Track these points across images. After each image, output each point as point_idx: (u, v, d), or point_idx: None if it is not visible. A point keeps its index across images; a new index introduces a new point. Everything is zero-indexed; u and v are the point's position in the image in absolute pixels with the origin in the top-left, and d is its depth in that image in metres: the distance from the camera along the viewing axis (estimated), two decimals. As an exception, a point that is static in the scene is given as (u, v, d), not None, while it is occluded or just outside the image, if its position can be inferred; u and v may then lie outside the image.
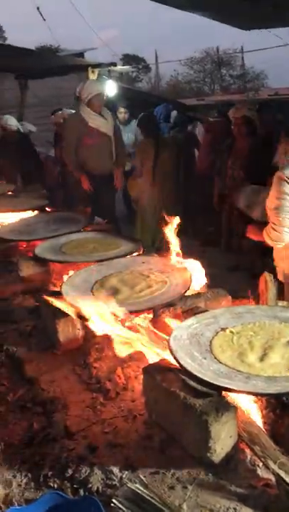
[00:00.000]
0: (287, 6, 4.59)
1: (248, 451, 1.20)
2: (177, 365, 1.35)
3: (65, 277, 2.11)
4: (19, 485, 1.23)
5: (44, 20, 8.56)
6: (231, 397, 1.28)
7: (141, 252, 2.39)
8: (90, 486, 1.18)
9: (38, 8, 8.47)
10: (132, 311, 1.76)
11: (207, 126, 5.64)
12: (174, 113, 7.52)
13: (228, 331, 1.52)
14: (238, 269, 4.56)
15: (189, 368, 1.30)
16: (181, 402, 1.22)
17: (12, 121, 6.05)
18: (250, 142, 4.32)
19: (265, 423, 1.26)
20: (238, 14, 4.97)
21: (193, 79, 34.75)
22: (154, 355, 1.54)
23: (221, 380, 1.26)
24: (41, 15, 8.46)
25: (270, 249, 2.43)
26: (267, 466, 1.12)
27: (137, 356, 1.63)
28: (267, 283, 1.85)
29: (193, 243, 5.18)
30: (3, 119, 6.03)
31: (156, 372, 1.34)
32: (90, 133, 4.32)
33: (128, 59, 36.03)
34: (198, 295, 1.82)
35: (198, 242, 5.15)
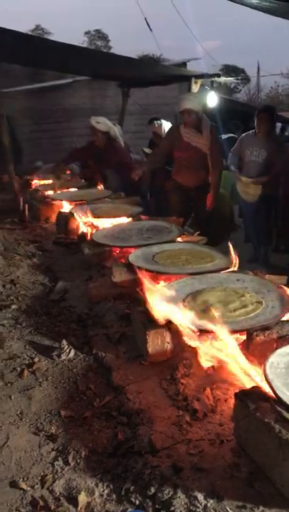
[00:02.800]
0: None
1: None
2: (272, 394, 1.27)
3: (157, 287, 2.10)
4: (101, 495, 1.22)
5: (151, 30, 8.74)
6: None
7: (236, 269, 2.32)
8: (172, 509, 1.14)
9: (145, 19, 8.67)
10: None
11: None
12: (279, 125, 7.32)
13: None
14: None
15: (286, 400, 1.22)
16: (276, 436, 1.15)
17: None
18: None
19: None
20: None
21: (294, 91, 33.85)
22: (246, 379, 1.48)
23: None
24: (148, 26, 8.65)
25: None
26: None
27: (227, 378, 1.57)
28: None
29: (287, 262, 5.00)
30: None
31: (249, 399, 1.28)
32: (181, 146, 4.33)
33: (228, 70, 35.96)
34: (296, 321, 1.72)
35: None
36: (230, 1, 4.90)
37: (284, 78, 33.36)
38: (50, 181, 5.08)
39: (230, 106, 10.59)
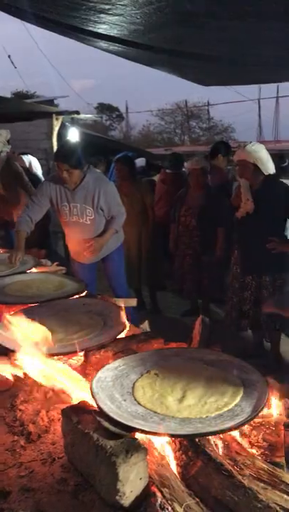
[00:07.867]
0: (241, 65, 4.91)
1: (158, 494, 1.19)
2: (96, 407, 1.35)
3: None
4: None
5: (15, 67, 8.83)
6: (148, 439, 1.28)
7: (84, 294, 2.41)
8: (-5, 533, 1.14)
9: (9, 56, 8.76)
10: (64, 352, 1.77)
11: (162, 177, 5.83)
12: (138, 161, 7.75)
13: (152, 372, 1.54)
14: (192, 314, 4.61)
15: (106, 409, 1.31)
16: (94, 444, 1.22)
17: None
18: (202, 192, 4.49)
19: (178, 465, 1.26)
20: (195, 71, 5.25)
21: (164, 129, 36.18)
22: (79, 397, 1.54)
23: (136, 422, 1.26)
24: (12, 63, 8.74)
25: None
26: (174, 510, 1.12)
27: (64, 399, 1.62)
28: (200, 326, 1.89)
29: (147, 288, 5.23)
30: None
31: (73, 414, 1.34)
32: None
33: (103, 108, 37.35)
34: (131, 337, 1.84)
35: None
36: (84, 44, 5.18)
37: (154, 117, 35.58)
38: None
39: (101, 143, 11.00)
